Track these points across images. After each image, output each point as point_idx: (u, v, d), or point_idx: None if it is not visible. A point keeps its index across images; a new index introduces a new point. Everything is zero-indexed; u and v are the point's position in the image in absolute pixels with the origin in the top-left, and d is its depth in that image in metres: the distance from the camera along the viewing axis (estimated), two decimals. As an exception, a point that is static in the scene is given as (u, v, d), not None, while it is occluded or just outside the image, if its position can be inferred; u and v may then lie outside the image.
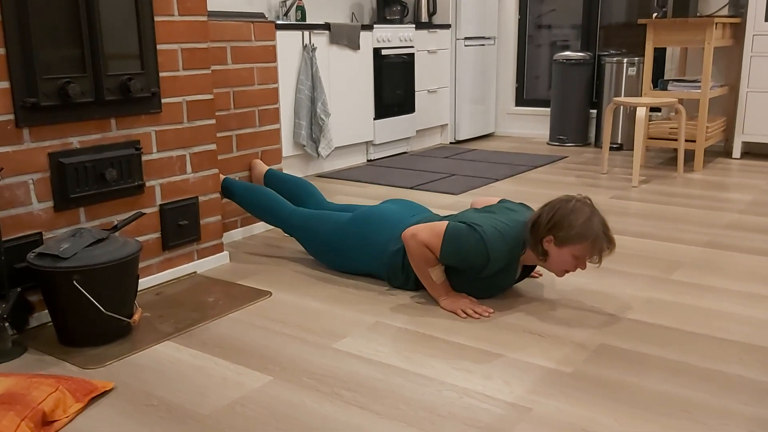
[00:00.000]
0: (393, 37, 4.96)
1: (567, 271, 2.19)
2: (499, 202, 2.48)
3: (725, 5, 4.95)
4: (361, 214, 2.56)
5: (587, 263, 2.17)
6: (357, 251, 2.53)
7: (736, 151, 4.93)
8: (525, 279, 2.54)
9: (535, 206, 2.29)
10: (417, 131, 5.44)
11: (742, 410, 1.65)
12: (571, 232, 2.09)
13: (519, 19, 6.11)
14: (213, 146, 2.67)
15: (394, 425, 1.60)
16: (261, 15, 3.65)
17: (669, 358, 1.91)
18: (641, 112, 4.08)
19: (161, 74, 2.43)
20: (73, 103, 2.16)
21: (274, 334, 2.12)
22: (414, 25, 5.17)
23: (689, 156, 4.79)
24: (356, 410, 1.67)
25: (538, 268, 2.65)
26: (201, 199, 2.66)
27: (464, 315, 2.21)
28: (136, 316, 2.08)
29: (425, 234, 2.22)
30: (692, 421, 1.60)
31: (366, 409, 1.67)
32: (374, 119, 4.93)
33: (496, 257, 2.17)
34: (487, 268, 2.19)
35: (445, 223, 2.23)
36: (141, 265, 2.44)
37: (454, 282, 2.31)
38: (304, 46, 4.24)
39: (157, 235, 2.52)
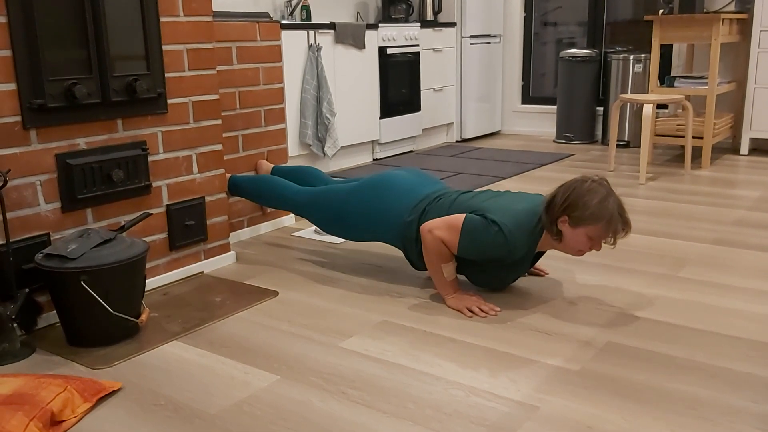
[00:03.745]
0: (398, 35, 4.96)
1: (582, 252, 2.18)
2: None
3: (732, 1, 4.93)
4: (372, 179, 2.52)
5: (602, 244, 2.14)
6: (366, 218, 2.48)
7: (744, 148, 4.91)
8: (532, 277, 2.54)
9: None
10: (423, 130, 5.44)
11: (750, 407, 1.64)
12: (586, 213, 2.07)
13: (525, 17, 6.10)
14: (219, 146, 2.68)
15: (400, 424, 1.60)
16: (266, 15, 3.66)
17: (676, 356, 1.91)
18: (648, 109, 4.07)
19: (167, 75, 2.44)
20: (80, 104, 2.17)
21: (280, 333, 2.12)
22: (419, 24, 5.16)
23: (696, 153, 4.77)
24: (363, 409, 1.67)
25: (543, 266, 2.65)
26: (207, 199, 2.66)
27: (470, 314, 2.21)
28: (143, 316, 2.09)
29: (442, 230, 2.20)
30: (699, 419, 1.59)
31: (373, 408, 1.68)
32: (380, 118, 4.93)
33: (516, 246, 2.15)
34: (509, 257, 2.19)
35: (462, 217, 2.20)
36: (148, 265, 2.45)
37: (472, 273, 2.32)
38: (310, 46, 4.24)
39: (164, 235, 2.53)
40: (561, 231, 2.14)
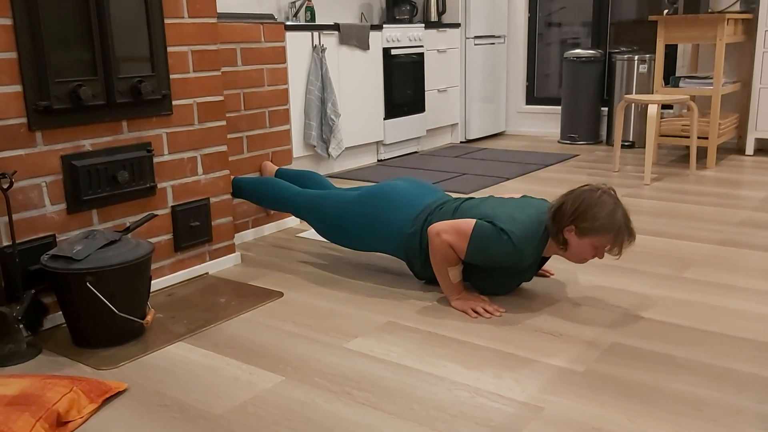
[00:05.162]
0: (402, 36, 4.97)
1: (586, 260, 2.18)
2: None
3: (737, 1, 4.91)
4: (371, 190, 2.53)
5: (606, 254, 2.15)
6: (366, 229, 2.49)
7: (749, 148, 4.89)
8: (537, 278, 2.54)
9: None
10: (427, 131, 5.44)
11: (754, 408, 1.64)
12: (595, 224, 2.07)
13: (529, 17, 6.10)
14: (224, 147, 2.68)
15: (405, 425, 1.61)
16: (270, 16, 3.66)
17: (681, 356, 1.91)
18: (653, 110, 4.06)
19: (172, 76, 2.44)
20: (85, 105, 2.18)
21: (285, 334, 2.12)
22: (423, 25, 5.17)
23: (702, 153, 4.76)
24: (368, 410, 1.67)
25: (548, 267, 2.64)
26: (212, 200, 2.67)
27: (475, 315, 2.21)
28: (148, 317, 2.09)
29: (450, 234, 2.19)
30: (704, 420, 1.59)
31: (378, 409, 1.68)
32: (384, 119, 4.93)
33: (525, 254, 2.16)
34: (518, 265, 2.19)
35: (471, 223, 2.19)
36: (153, 266, 2.46)
37: (477, 279, 2.32)
38: (314, 47, 4.25)
39: (169, 236, 2.53)
40: (567, 239, 2.14)
